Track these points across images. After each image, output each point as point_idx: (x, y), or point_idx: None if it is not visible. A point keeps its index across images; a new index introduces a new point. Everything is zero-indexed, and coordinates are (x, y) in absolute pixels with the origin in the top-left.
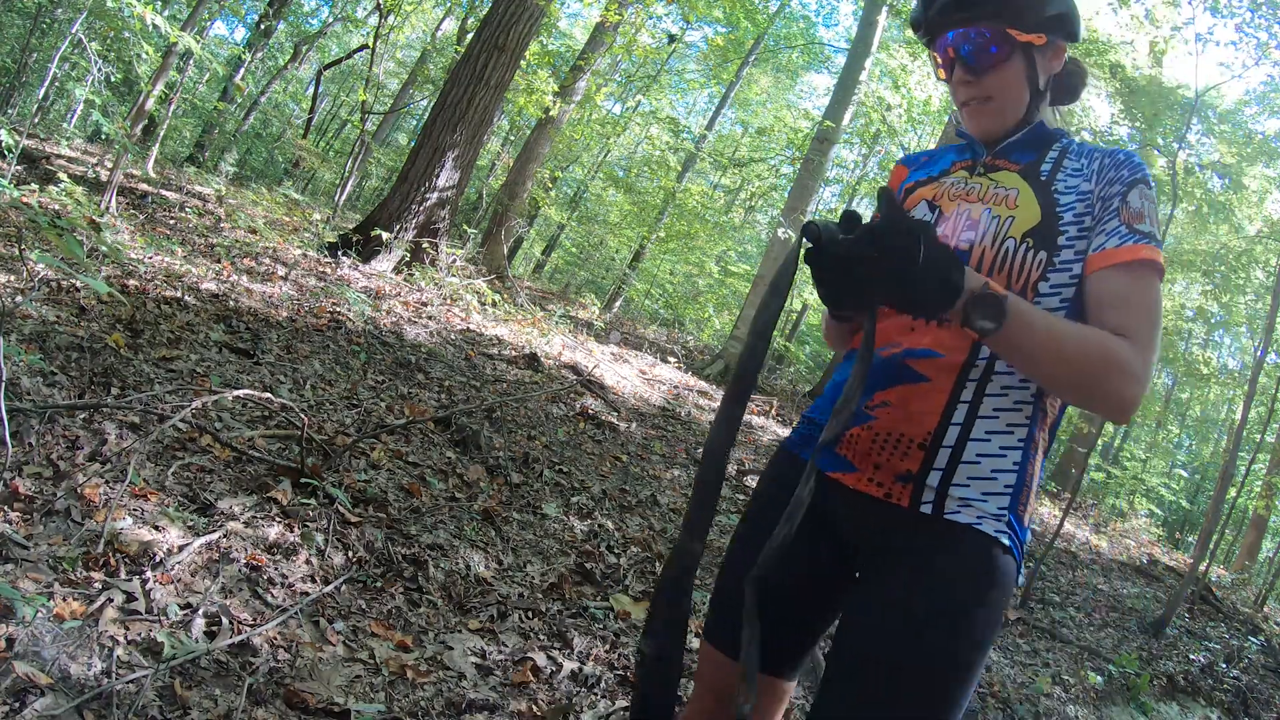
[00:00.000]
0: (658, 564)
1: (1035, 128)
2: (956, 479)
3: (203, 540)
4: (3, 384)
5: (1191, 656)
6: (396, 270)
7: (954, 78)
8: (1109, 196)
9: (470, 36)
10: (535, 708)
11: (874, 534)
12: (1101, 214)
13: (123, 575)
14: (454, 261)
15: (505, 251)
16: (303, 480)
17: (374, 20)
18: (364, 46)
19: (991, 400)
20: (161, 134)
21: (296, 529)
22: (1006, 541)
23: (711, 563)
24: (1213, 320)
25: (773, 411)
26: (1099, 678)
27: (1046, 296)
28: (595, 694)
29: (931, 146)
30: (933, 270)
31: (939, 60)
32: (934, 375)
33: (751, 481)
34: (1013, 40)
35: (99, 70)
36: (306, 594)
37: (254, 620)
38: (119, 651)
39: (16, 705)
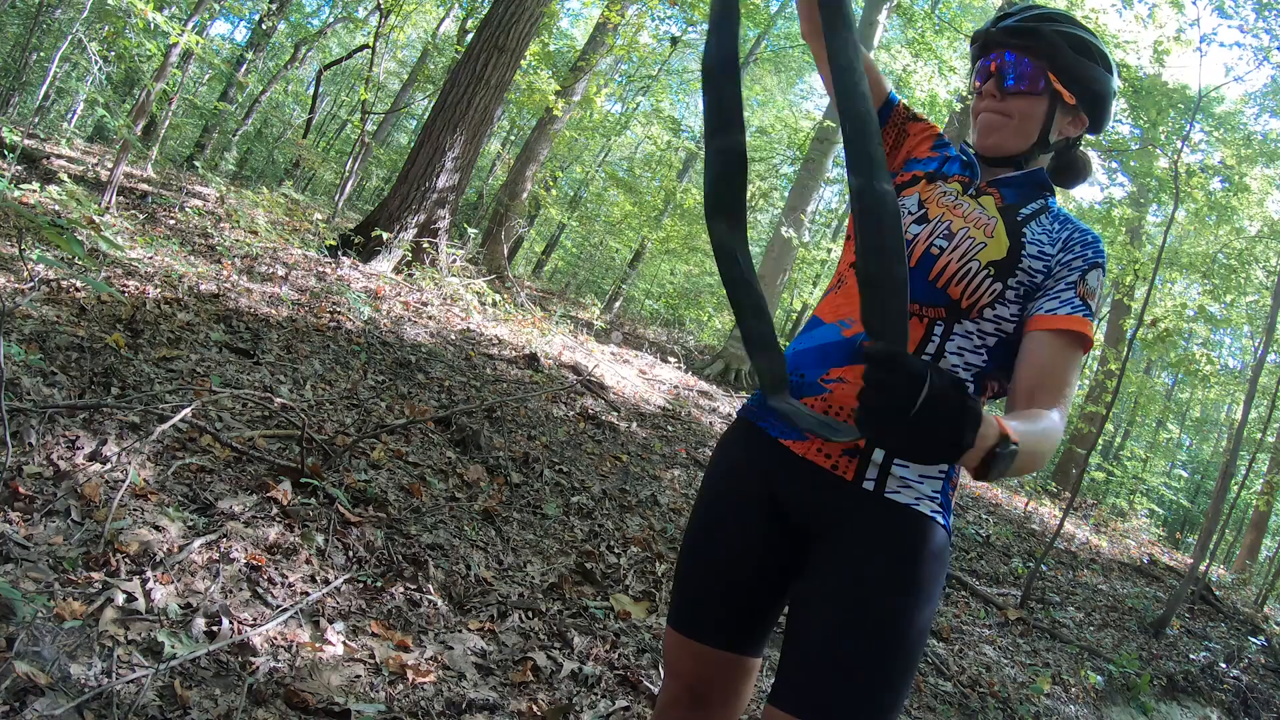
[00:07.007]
0: (658, 564)
1: (1033, 173)
2: (898, 460)
3: (203, 540)
4: (3, 384)
5: (1191, 656)
6: (396, 270)
7: (984, 89)
8: (1070, 268)
9: (470, 36)
10: (535, 707)
11: (818, 505)
12: (1059, 278)
13: (123, 575)
14: (454, 261)
15: (505, 251)
16: (303, 480)
17: (374, 20)
18: (364, 46)
19: None
20: (162, 134)
21: (296, 529)
22: (941, 520)
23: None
24: (1214, 319)
25: None
26: (1099, 678)
27: (987, 322)
28: (595, 694)
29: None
30: (937, 418)
31: (979, 72)
32: None
33: None
34: (1048, 81)
35: (99, 70)
36: (306, 594)
37: (254, 620)
38: (119, 651)
39: (16, 705)
